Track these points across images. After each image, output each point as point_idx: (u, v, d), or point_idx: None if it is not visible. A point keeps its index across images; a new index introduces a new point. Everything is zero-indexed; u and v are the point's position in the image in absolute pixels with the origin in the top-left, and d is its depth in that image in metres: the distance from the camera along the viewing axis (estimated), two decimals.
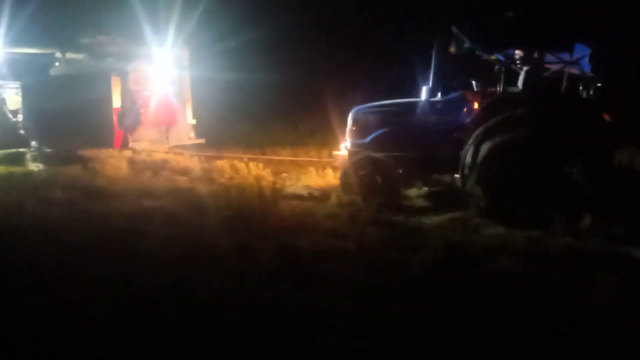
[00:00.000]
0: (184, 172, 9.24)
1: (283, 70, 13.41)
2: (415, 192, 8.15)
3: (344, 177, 7.90)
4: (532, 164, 6.41)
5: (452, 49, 7.51)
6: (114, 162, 9.33)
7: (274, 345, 3.24)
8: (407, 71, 9.12)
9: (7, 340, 3.32)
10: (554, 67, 7.68)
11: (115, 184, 8.15)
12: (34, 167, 10.14)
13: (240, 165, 9.15)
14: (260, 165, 9.22)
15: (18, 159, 11.40)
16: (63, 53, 12.53)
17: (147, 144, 11.41)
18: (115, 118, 10.57)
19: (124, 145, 10.86)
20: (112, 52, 11.98)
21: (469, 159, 6.75)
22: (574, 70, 7.42)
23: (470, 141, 6.81)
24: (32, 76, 12.50)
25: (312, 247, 5.05)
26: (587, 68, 7.35)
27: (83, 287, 4.12)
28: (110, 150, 10.78)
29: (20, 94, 12.64)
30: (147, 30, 11.58)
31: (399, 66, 11.46)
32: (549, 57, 7.59)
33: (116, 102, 10.64)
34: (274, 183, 7.85)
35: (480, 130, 6.71)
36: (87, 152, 10.77)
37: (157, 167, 9.32)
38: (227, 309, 3.71)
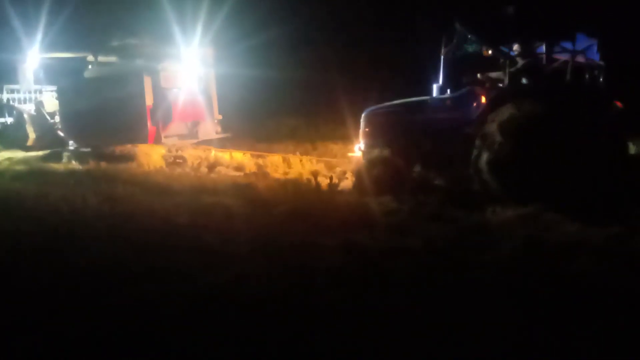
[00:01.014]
0: (239, 167, 9.64)
1: (304, 69, 13.92)
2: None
3: (358, 178, 7.98)
4: (542, 153, 6.53)
5: (455, 48, 7.72)
6: (159, 159, 9.94)
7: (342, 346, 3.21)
8: (420, 70, 9.46)
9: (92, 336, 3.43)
10: (563, 58, 7.65)
11: (172, 180, 8.54)
12: (77, 164, 10.78)
13: (293, 160, 9.38)
14: (313, 160, 9.45)
15: (59, 158, 12.15)
16: (95, 56, 13.25)
17: (176, 139, 12.03)
18: (148, 115, 11.17)
19: (157, 140, 11.47)
20: (141, 53, 12.63)
21: (480, 153, 6.86)
22: (583, 60, 7.57)
23: (480, 136, 6.93)
24: (67, 79, 13.25)
25: (376, 244, 5.00)
26: (597, 57, 7.64)
27: (151, 284, 4.16)
28: (145, 145, 11.44)
29: (57, 96, 13.37)
30: (175, 30, 12.18)
31: (412, 66, 11.80)
32: (557, 49, 7.62)
33: (148, 100, 11.24)
34: (331, 178, 8.12)
35: (489, 124, 6.85)
36: (124, 148, 11.46)
37: (211, 164, 9.79)
38: (291, 308, 3.69)
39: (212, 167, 9.86)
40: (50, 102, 13.97)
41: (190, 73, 12.32)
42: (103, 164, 10.29)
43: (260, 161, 9.79)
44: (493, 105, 7.09)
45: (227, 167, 9.78)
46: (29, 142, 13.54)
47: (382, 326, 3.42)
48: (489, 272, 4.32)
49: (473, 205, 6.52)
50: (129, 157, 11.33)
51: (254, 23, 14.04)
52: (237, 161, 9.93)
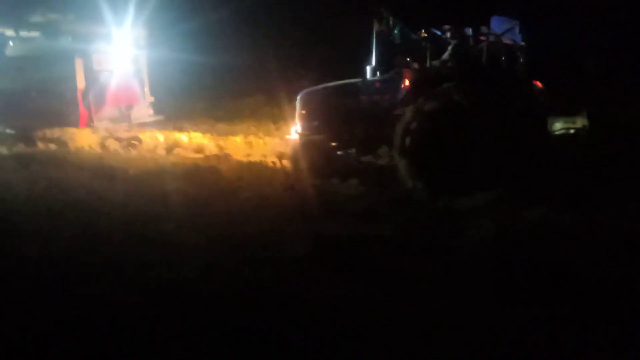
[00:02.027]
0: (198, 149, 9.64)
1: (236, 52, 14.02)
2: None
3: (294, 161, 8.26)
4: (459, 133, 6.72)
5: (380, 30, 7.90)
6: (102, 142, 9.79)
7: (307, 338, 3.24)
8: (354, 53, 9.56)
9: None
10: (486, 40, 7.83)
11: (128, 163, 8.54)
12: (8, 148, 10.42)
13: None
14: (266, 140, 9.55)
15: None
16: (16, 32, 12.61)
17: (108, 122, 11.82)
18: (80, 98, 10.92)
19: (88, 124, 11.26)
20: (69, 31, 12.18)
21: (399, 135, 7.03)
22: (508, 41, 7.84)
23: (402, 116, 7.09)
24: None
25: (341, 232, 5.01)
26: (519, 38, 7.97)
27: (106, 279, 4.09)
28: (76, 129, 11.20)
29: None
30: (105, 10, 11.84)
31: (347, 48, 12.22)
32: (480, 31, 7.87)
33: (80, 83, 10.98)
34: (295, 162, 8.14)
35: (409, 105, 7.05)
36: (55, 132, 11.17)
37: (169, 146, 9.83)
38: (260, 299, 3.67)
39: (170, 149, 9.84)
40: None
41: (123, 55, 12.09)
42: (42, 147, 10.05)
43: (221, 142, 9.91)
44: (414, 88, 7.41)
45: (186, 149, 9.77)
46: None
47: (356, 316, 3.48)
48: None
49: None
50: (61, 141, 11.11)
51: (187, 5, 13.91)
52: (196, 143, 9.95)
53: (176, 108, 13.33)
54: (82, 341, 3.22)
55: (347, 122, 8.06)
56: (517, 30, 7.97)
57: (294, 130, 8.72)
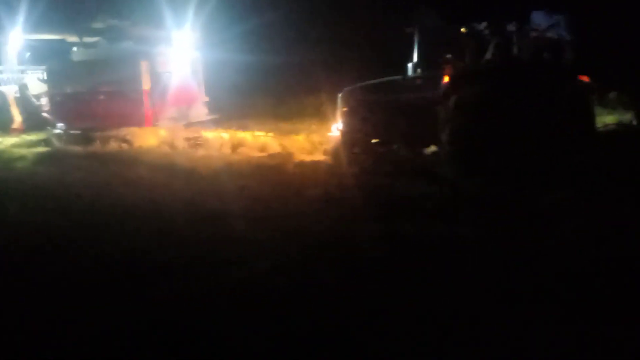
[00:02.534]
0: (262, 148, 9.86)
1: (289, 52, 14.39)
2: None
3: (336, 158, 8.33)
4: (502, 128, 6.75)
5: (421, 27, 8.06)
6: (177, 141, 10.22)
7: None
8: (397, 50, 9.58)
9: None
10: (531, 35, 7.92)
11: (197, 162, 8.80)
12: (85, 147, 11.00)
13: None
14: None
15: (58, 140, 12.27)
16: (80, 38, 13.28)
17: (170, 121, 12.32)
18: (145, 98, 11.44)
19: (154, 123, 11.77)
20: (131, 36, 12.77)
21: (442, 129, 7.16)
22: (552, 36, 7.76)
23: (442, 113, 7.23)
24: (55, 61, 13.19)
25: (418, 233, 4.90)
26: (564, 33, 7.84)
27: (184, 276, 4.14)
28: (142, 129, 11.72)
29: (45, 78, 13.29)
30: (163, 14, 12.36)
31: (390, 46, 12.34)
32: (525, 26, 7.90)
33: (145, 84, 11.49)
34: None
35: (452, 101, 7.12)
36: (123, 132, 11.70)
37: (234, 145, 10.11)
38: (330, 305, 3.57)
39: (234, 147, 10.14)
40: (35, 84, 13.88)
41: (182, 57, 12.58)
42: (115, 146, 10.60)
43: (284, 141, 10.14)
44: (454, 83, 7.43)
45: (250, 148, 10.03)
46: (14, 125, 13.46)
47: (444, 325, 3.27)
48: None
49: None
50: (130, 141, 11.65)
51: (241, 7, 14.36)
52: (259, 142, 10.25)
53: (230, 108, 13.71)
54: (167, 340, 3.25)
55: (389, 118, 8.15)
56: (562, 24, 7.88)
57: (336, 128, 8.86)
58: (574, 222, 4.95)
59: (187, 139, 11.03)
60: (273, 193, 6.77)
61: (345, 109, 8.68)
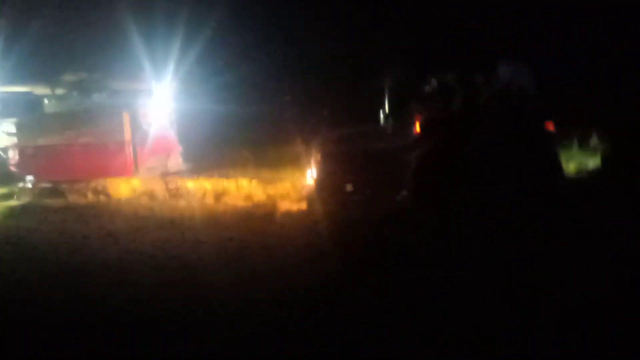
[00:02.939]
0: (247, 197, 9.88)
1: (260, 104, 14.81)
2: None
3: (309, 205, 8.47)
4: (466, 177, 6.90)
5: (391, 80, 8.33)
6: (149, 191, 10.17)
7: None
8: (369, 101, 9.64)
9: None
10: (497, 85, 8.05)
11: (179, 213, 8.81)
12: (61, 200, 10.74)
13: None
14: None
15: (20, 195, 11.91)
16: (52, 90, 13.13)
17: (150, 171, 12.24)
18: (128, 150, 11.40)
19: (134, 173, 11.69)
20: (101, 88, 12.77)
21: (409, 178, 7.35)
22: (517, 86, 7.91)
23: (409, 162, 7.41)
24: (25, 113, 12.93)
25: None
26: (529, 82, 8.11)
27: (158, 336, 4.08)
28: (121, 179, 11.62)
29: (14, 131, 12.94)
30: (146, 66, 12.52)
31: (362, 97, 12.90)
32: (491, 76, 8.02)
33: (127, 135, 11.48)
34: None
35: (419, 149, 7.35)
36: (101, 183, 11.56)
37: (217, 194, 10.14)
38: None
39: (218, 197, 10.16)
40: (2, 137, 13.48)
41: (162, 108, 12.69)
42: (94, 198, 10.42)
43: (269, 190, 10.24)
44: (423, 132, 7.60)
45: (234, 197, 10.06)
46: None
47: None
48: None
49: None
50: (109, 192, 11.49)
51: (215, 62, 14.75)
52: (243, 190, 10.30)
53: (207, 157, 13.80)
54: None
55: (361, 166, 8.22)
56: (526, 73, 8.17)
57: (310, 175, 8.91)
58: None
59: (168, 189, 10.96)
60: (260, 244, 6.83)
61: (318, 157, 8.70)
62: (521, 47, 8.93)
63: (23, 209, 10.73)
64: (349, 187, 8.43)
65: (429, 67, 8.36)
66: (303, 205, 9.05)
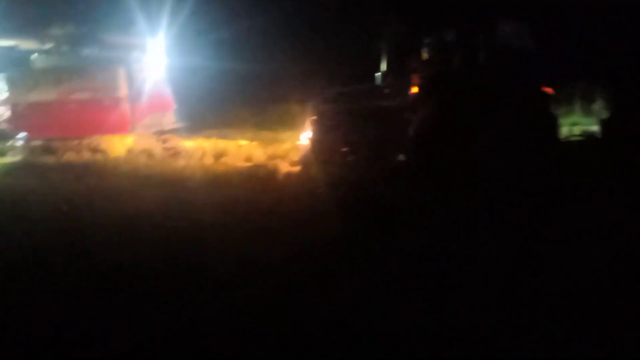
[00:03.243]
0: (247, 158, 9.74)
1: (257, 62, 14.53)
2: None
3: (305, 167, 8.30)
4: (468, 137, 6.79)
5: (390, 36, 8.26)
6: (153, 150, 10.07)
7: None
8: (366, 59, 9.69)
9: None
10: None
11: (179, 173, 8.65)
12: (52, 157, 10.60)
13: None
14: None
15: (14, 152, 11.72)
16: (41, 44, 12.74)
17: (144, 129, 12.10)
18: (125, 106, 11.22)
19: (130, 130, 11.55)
20: (91, 42, 12.43)
21: (408, 138, 7.25)
22: (519, 45, 7.78)
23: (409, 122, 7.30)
24: (16, 69, 12.55)
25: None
26: (529, 42, 7.93)
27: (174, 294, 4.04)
28: (117, 137, 11.47)
29: (4, 86, 12.60)
30: (133, 20, 12.15)
31: (358, 56, 12.75)
32: (489, 35, 7.82)
33: (123, 91, 11.28)
34: None
35: (419, 110, 7.25)
36: (97, 140, 11.40)
37: (216, 154, 9.99)
38: None
39: (217, 158, 10.02)
40: None
41: (157, 64, 12.44)
42: (90, 156, 10.31)
43: (269, 150, 10.16)
44: (422, 93, 7.46)
45: (233, 157, 9.92)
46: None
47: None
48: None
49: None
50: (100, 150, 11.36)
51: (206, 17, 14.38)
52: (243, 151, 10.18)
53: (203, 116, 13.65)
54: None
55: (357, 126, 8.09)
56: (527, 33, 8.02)
57: (305, 136, 8.79)
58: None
59: (166, 148, 10.86)
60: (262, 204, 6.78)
61: (314, 117, 8.56)
62: (523, 5, 8.69)
63: (18, 167, 10.51)
64: (344, 147, 8.38)
65: (428, 24, 8.13)
66: (300, 166, 8.91)
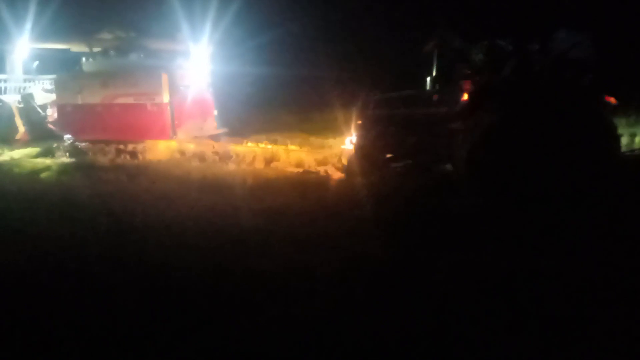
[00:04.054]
0: (297, 164, 9.71)
1: (294, 67, 14.48)
2: None
3: (348, 168, 8.32)
4: (521, 150, 6.63)
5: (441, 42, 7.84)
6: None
7: None
8: (414, 65, 9.44)
9: None
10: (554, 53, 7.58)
11: (228, 176, 8.66)
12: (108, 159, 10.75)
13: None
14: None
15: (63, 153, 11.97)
16: (90, 48, 13.00)
17: (187, 135, 12.16)
18: (167, 112, 11.32)
19: (172, 136, 11.64)
20: (138, 48, 12.59)
21: (459, 147, 6.96)
22: (577, 55, 7.40)
23: (460, 131, 7.02)
24: (65, 71, 12.88)
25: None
26: (589, 53, 7.52)
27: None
28: (163, 141, 11.57)
29: (53, 89, 12.93)
30: (178, 27, 12.28)
31: (406, 61, 12.55)
32: (547, 44, 7.60)
33: (166, 97, 11.37)
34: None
35: (468, 119, 6.95)
36: (141, 145, 11.54)
37: (267, 159, 9.96)
38: None
39: (267, 163, 9.96)
40: (41, 94, 13.49)
41: (199, 70, 12.52)
42: (139, 159, 10.43)
43: (319, 156, 9.99)
44: (473, 101, 7.20)
45: (284, 163, 9.83)
46: (18, 136, 13.02)
47: None
48: None
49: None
50: (146, 153, 11.48)
51: (248, 23, 14.41)
52: (293, 157, 10.04)
53: (247, 121, 13.67)
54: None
55: (403, 133, 7.96)
56: (586, 43, 7.58)
57: (349, 141, 8.70)
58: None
59: (217, 153, 10.83)
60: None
61: (359, 122, 8.50)
62: (584, 15, 8.21)
63: (71, 167, 10.64)
64: (388, 154, 8.29)
65: (480, 30, 8.02)
66: (346, 172, 8.84)
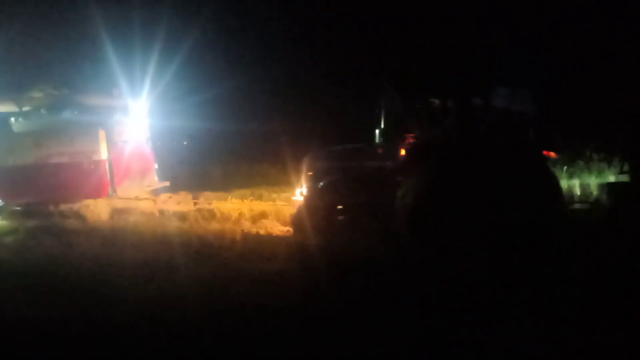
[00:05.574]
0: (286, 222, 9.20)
1: (239, 121, 14.51)
2: None
3: (297, 221, 8.18)
4: (462, 202, 6.64)
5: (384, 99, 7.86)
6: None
7: None
8: (362, 120, 9.54)
9: None
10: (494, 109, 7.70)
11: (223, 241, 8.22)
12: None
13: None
14: None
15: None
16: (19, 107, 12.51)
17: (125, 192, 11.79)
18: (104, 169, 10.96)
19: (110, 194, 11.23)
20: (71, 105, 12.25)
21: (397, 201, 7.04)
22: (516, 111, 7.68)
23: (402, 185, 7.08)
24: None
25: None
26: (530, 108, 7.77)
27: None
28: (103, 200, 11.10)
29: None
30: (117, 83, 12.07)
31: (354, 115, 12.78)
32: (487, 101, 7.66)
33: (103, 154, 11.04)
34: None
35: (407, 171, 7.07)
36: (73, 205, 11.02)
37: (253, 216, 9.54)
38: None
39: (255, 220, 9.47)
40: None
41: (138, 125, 12.28)
42: (74, 220, 9.94)
43: (260, 207, 9.82)
44: (409, 155, 7.38)
45: (271, 220, 9.42)
46: None
47: None
48: None
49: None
50: (80, 215, 10.96)
51: (190, 77, 14.39)
52: (280, 213, 9.65)
53: (175, 175, 13.41)
54: None
55: (351, 185, 8.03)
56: (527, 99, 7.84)
57: (299, 193, 8.70)
58: None
59: (200, 211, 10.26)
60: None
61: (309, 174, 8.52)
62: (521, 71, 8.62)
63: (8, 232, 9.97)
64: (338, 206, 8.21)
65: (424, 87, 8.11)
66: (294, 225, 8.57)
